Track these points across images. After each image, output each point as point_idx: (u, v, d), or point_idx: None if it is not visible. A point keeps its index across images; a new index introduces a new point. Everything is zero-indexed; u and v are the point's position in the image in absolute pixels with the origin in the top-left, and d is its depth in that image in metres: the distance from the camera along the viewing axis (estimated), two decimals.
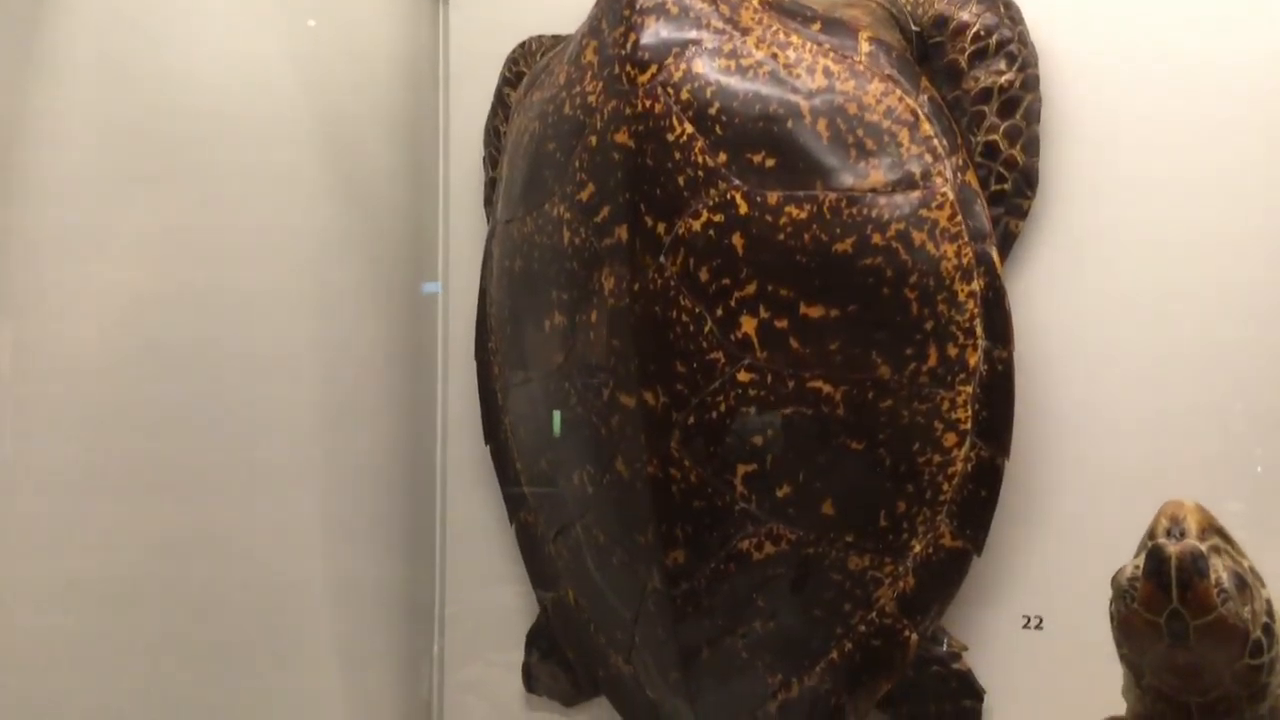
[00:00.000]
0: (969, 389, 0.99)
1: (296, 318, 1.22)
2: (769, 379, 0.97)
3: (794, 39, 1.00)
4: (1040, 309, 1.02)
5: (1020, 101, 1.00)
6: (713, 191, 0.97)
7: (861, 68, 0.99)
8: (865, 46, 1.00)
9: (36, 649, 0.98)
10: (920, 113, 0.99)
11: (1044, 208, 1.02)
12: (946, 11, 1.01)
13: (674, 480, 1.00)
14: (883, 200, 0.97)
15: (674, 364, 0.98)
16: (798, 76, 0.98)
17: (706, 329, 0.97)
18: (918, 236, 0.97)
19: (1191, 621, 0.73)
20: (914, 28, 1.03)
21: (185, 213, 1.10)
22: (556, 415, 1.13)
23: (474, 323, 1.25)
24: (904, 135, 0.98)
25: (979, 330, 0.99)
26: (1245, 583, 0.74)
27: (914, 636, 1.03)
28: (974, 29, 1.00)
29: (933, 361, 0.98)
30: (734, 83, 0.98)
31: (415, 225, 1.35)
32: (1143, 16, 1.01)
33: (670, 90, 0.97)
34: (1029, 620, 1.04)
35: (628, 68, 0.98)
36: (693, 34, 0.99)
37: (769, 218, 0.96)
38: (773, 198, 0.97)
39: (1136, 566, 0.75)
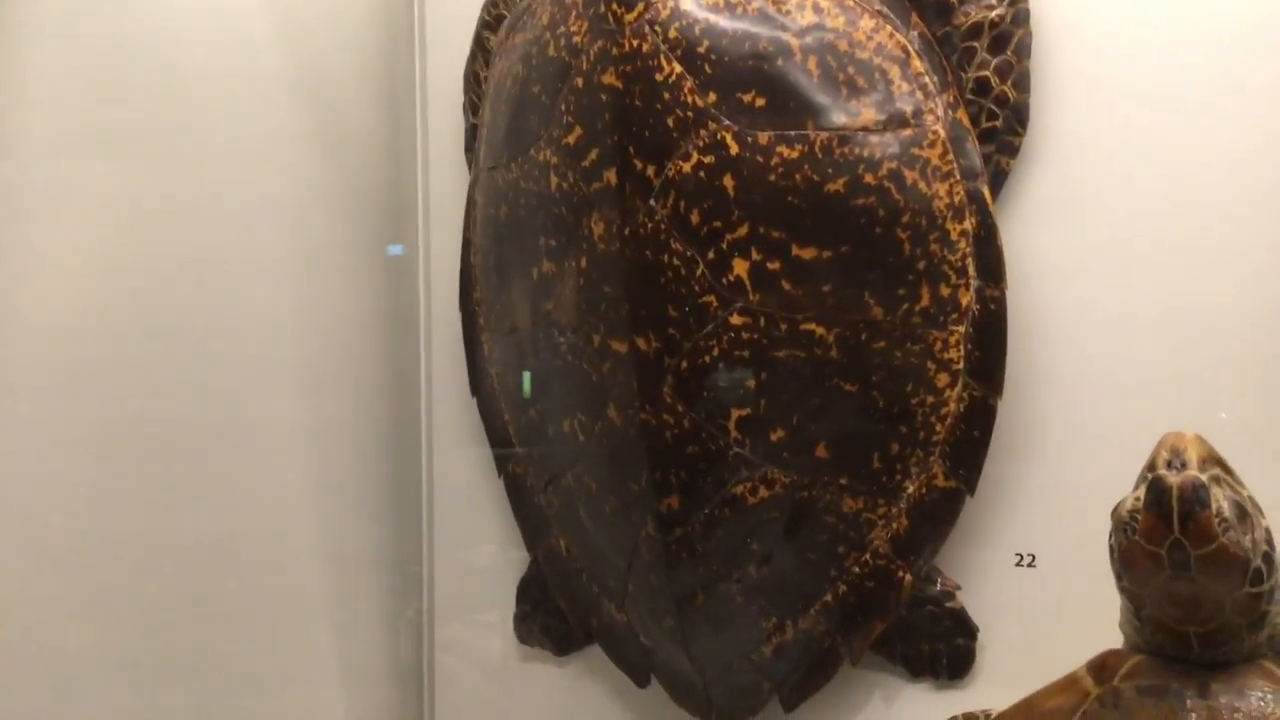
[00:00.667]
0: (961, 329, 0.99)
1: (274, 275, 1.20)
2: (762, 322, 0.97)
3: None
4: (1032, 247, 1.01)
5: (1011, 36, 0.99)
6: (703, 132, 0.95)
7: (851, 3, 0.97)
8: None
9: (24, 610, 0.97)
10: (911, 49, 0.98)
11: (1035, 145, 1.02)
12: None
13: (667, 426, 0.99)
14: (874, 139, 0.96)
15: (666, 309, 0.97)
16: (787, 13, 0.96)
17: (698, 272, 0.96)
18: (910, 175, 0.97)
19: (1193, 551, 0.73)
20: None
21: (161, 173, 1.08)
22: (526, 376, 1.12)
23: (457, 275, 1.23)
24: (895, 72, 0.97)
25: (971, 269, 0.99)
26: (1245, 512, 0.74)
27: (908, 577, 1.03)
28: None
29: (925, 302, 0.98)
30: (722, 20, 0.96)
31: (393, 176, 1.33)
32: None
33: (658, 28, 0.96)
34: (1021, 558, 1.04)
35: (613, 6, 0.96)
36: None
37: (760, 158, 0.95)
38: (764, 138, 0.95)
39: (1137, 499, 0.76)
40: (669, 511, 1.01)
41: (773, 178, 0.95)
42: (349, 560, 1.28)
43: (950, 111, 0.98)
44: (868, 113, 0.96)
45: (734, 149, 0.95)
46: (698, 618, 1.05)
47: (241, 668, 1.15)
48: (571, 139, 0.99)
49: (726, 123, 0.95)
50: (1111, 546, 0.79)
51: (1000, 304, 0.99)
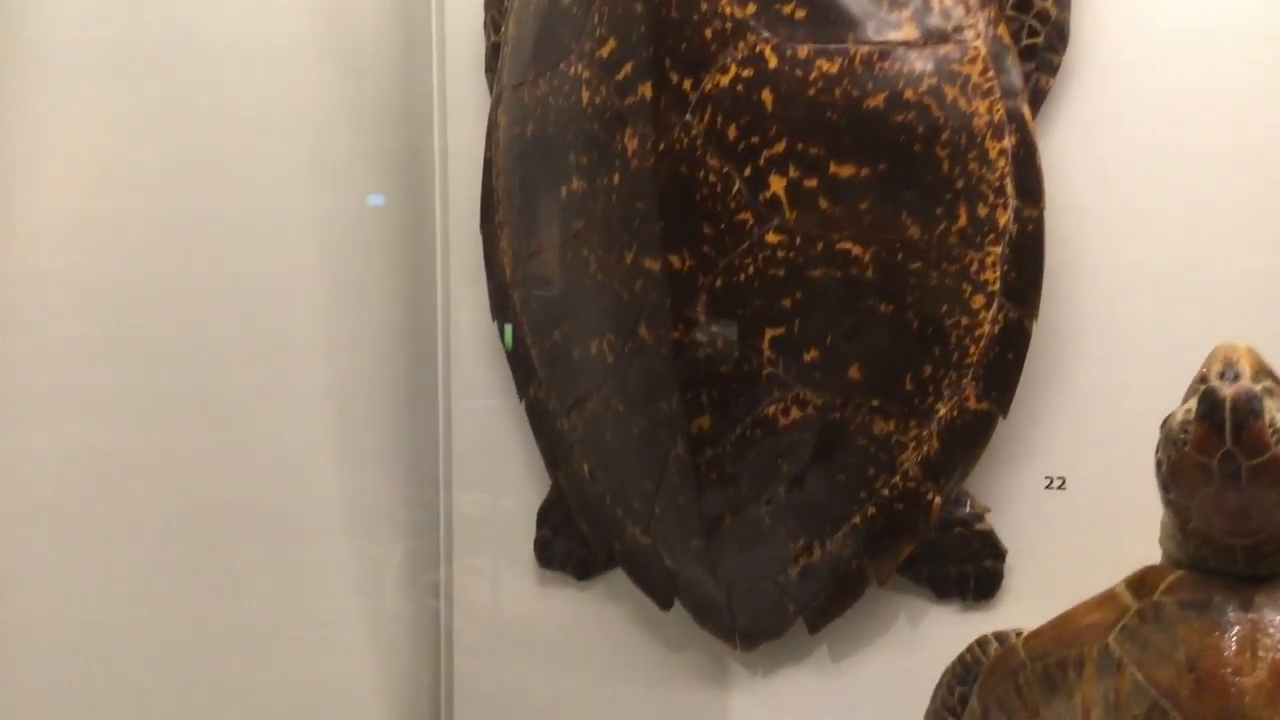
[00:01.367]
0: (998, 249, 0.98)
1: (287, 200, 1.18)
2: (798, 240, 0.95)
3: None
4: (1069, 168, 1.00)
5: None
6: (741, 45, 0.93)
7: None
8: None
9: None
10: None
11: (1073, 63, 1.00)
12: None
13: (700, 345, 0.98)
14: (914, 54, 0.94)
15: (700, 226, 0.96)
16: None
17: (734, 189, 0.95)
18: (950, 92, 0.95)
19: (1244, 462, 0.73)
20: None
21: (178, 87, 1.05)
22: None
23: (477, 198, 1.21)
24: None
25: (1009, 189, 0.97)
26: None
27: (937, 499, 1.03)
28: None
29: (963, 222, 0.97)
30: None
31: (410, 99, 1.30)
32: None
33: None
34: (1051, 481, 1.04)
35: None
36: None
37: (799, 72, 0.93)
38: (803, 51, 0.93)
39: (1188, 410, 0.75)
40: (699, 432, 1.01)
41: (812, 92, 0.94)
42: (366, 485, 1.27)
43: (991, 27, 0.97)
44: (908, 27, 0.95)
45: (773, 62, 0.93)
46: (725, 539, 1.05)
47: (256, 583, 1.15)
48: (605, 52, 0.97)
49: (766, 35, 0.93)
50: (1159, 460, 0.79)
51: (1038, 224, 0.98)
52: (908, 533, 1.04)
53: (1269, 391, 0.74)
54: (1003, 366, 1.01)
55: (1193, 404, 0.75)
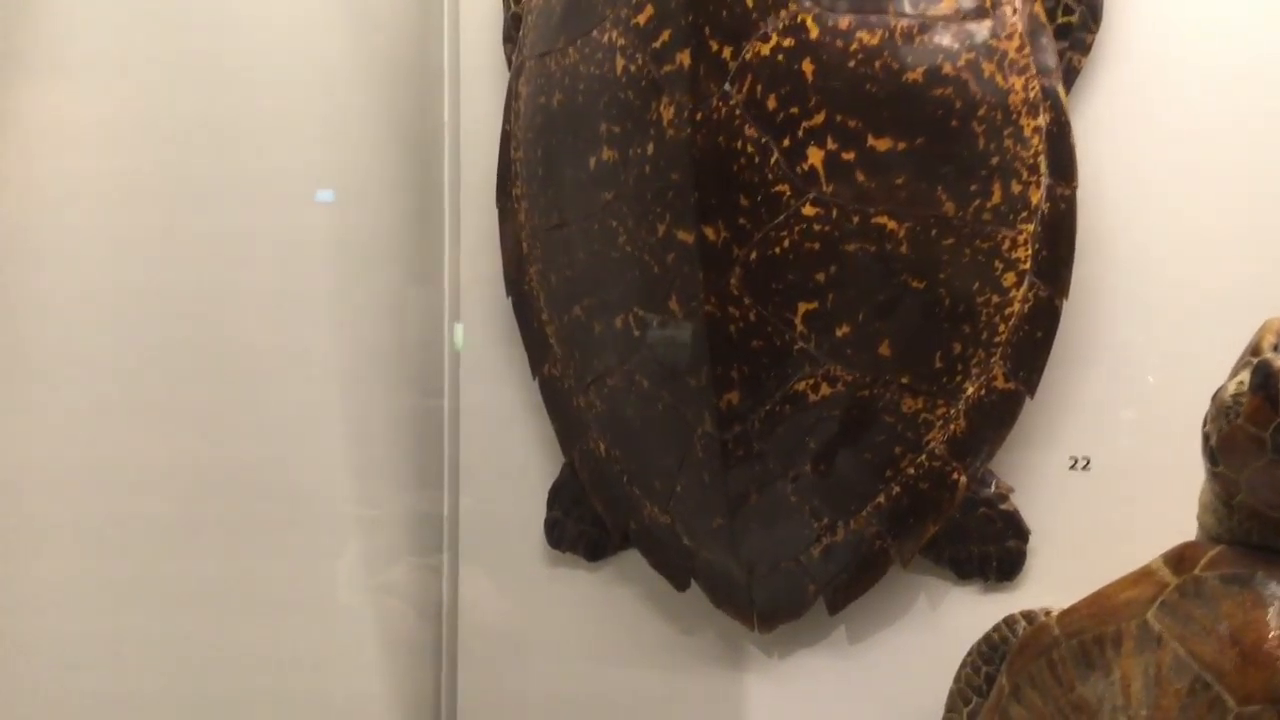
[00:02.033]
0: (1030, 227, 0.98)
1: (297, 172, 1.16)
2: (834, 214, 0.95)
3: None
4: (1100, 147, 1.00)
5: None
6: (783, 13, 0.92)
7: None
8: None
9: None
10: None
11: (1106, 43, 1.00)
12: None
13: (732, 319, 0.97)
14: (954, 28, 0.94)
15: (737, 197, 0.94)
16: None
17: (772, 160, 0.94)
18: (987, 67, 0.95)
19: None
20: None
21: (186, 56, 1.02)
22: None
23: (493, 172, 1.19)
24: None
25: (1043, 167, 0.97)
26: None
27: (963, 479, 1.03)
28: None
29: (996, 199, 0.97)
30: None
31: (421, 71, 1.28)
32: None
33: None
34: (1076, 461, 1.04)
35: None
36: None
37: (840, 43, 0.93)
38: (844, 22, 0.93)
39: (1240, 383, 0.75)
40: (728, 408, 1.00)
41: (852, 64, 0.93)
42: (372, 464, 1.25)
43: (1028, 4, 0.96)
44: (947, 1, 0.94)
45: (814, 32, 0.93)
46: (749, 517, 1.04)
47: (258, 559, 1.12)
48: (642, 19, 0.96)
49: (807, 4, 0.92)
50: (1207, 433, 0.79)
51: (1070, 203, 0.98)
52: (933, 513, 1.03)
53: None
54: (1031, 346, 1.00)
55: (1245, 376, 0.75)
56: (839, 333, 0.98)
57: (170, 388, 1.04)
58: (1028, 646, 0.92)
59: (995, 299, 0.99)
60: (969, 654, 1.00)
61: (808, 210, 0.95)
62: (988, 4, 0.95)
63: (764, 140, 0.94)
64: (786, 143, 0.94)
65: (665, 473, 1.08)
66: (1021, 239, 0.98)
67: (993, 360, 1.00)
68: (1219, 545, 0.83)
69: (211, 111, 1.07)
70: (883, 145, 0.94)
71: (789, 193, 0.94)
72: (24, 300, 0.92)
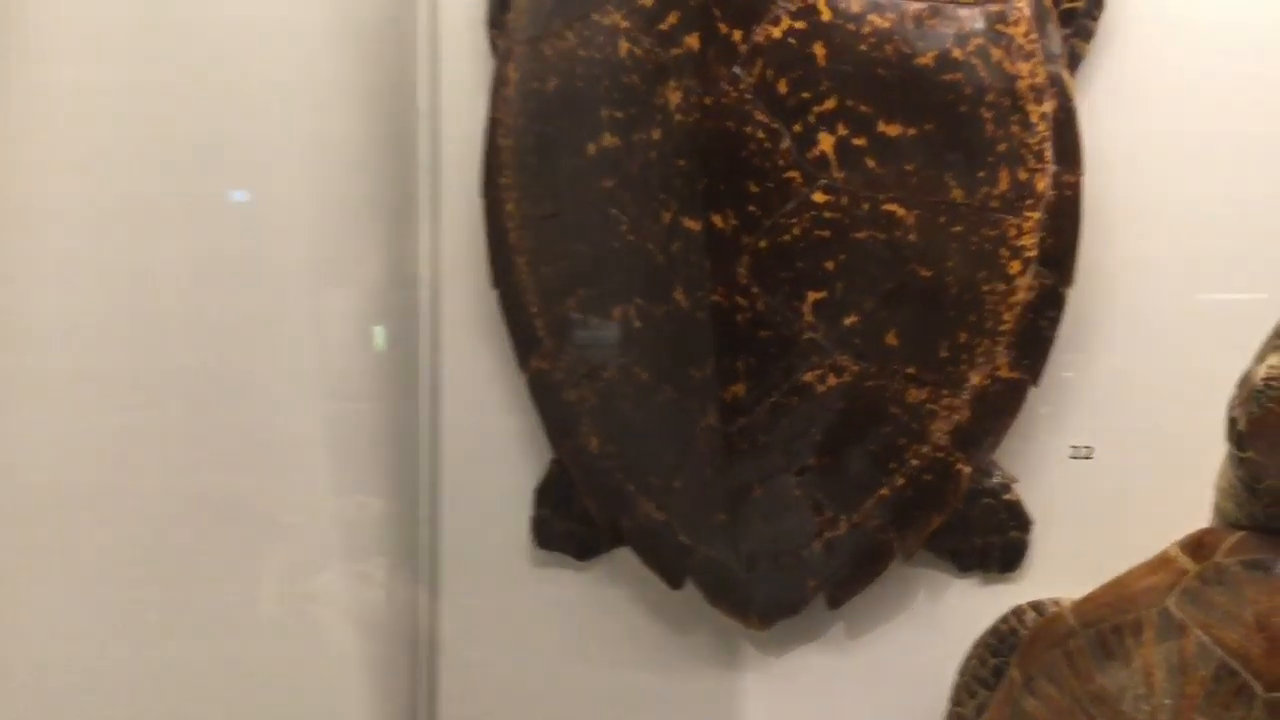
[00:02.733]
0: (1036, 215, 0.97)
1: (262, 165, 1.11)
2: (845, 201, 0.93)
3: None
4: (1103, 134, 1.00)
5: None
6: None
7: None
8: None
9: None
10: None
11: (1108, 29, 1.00)
12: None
13: (740, 309, 0.95)
14: (963, 12, 0.93)
15: (746, 184, 0.92)
16: None
17: (783, 146, 0.92)
18: (995, 53, 0.94)
19: None
20: None
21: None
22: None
23: (476, 161, 1.16)
24: None
25: (1049, 154, 0.97)
26: None
27: (967, 470, 1.02)
28: None
29: (1004, 186, 0.96)
30: None
31: (398, 56, 1.24)
32: None
33: None
34: (1078, 450, 1.04)
35: None
36: None
37: (852, 26, 0.91)
38: (856, 4, 0.91)
39: (1272, 366, 0.75)
40: (733, 400, 0.97)
41: (863, 48, 0.91)
42: (349, 462, 1.20)
43: None
44: None
45: (826, 15, 0.91)
46: (751, 512, 1.02)
47: (235, 561, 1.07)
48: (647, 0, 0.93)
49: None
50: (1234, 417, 0.79)
51: (1076, 190, 0.98)
52: (936, 504, 1.02)
53: None
54: (1036, 334, 1.00)
55: (1275, 360, 0.75)
56: (847, 322, 0.96)
57: (135, 395, 0.99)
58: (1041, 637, 0.92)
59: (1001, 287, 0.98)
60: (975, 646, 0.99)
61: (818, 197, 0.93)
62: None
63: (775, 125, 0.92)
64: (798, 128, 0.92)
65: (663, 468, 1.05)
66: (1028, 227, 0.97)
67: (998, 349, 0.99)
68: (1239, 531, 0.83)
69: (170, 102, 1.02)
70: (893, 131, 0.93)
71: (799, 179, 0.92)
72: None
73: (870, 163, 0.93)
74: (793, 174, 0.92)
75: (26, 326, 0.93)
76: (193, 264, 1.04)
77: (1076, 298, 1.00)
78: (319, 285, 1.18)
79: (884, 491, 1.02)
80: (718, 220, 0.93)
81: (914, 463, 1.01)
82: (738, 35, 0.91)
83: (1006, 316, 0.99)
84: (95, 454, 0.97)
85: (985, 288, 0.98)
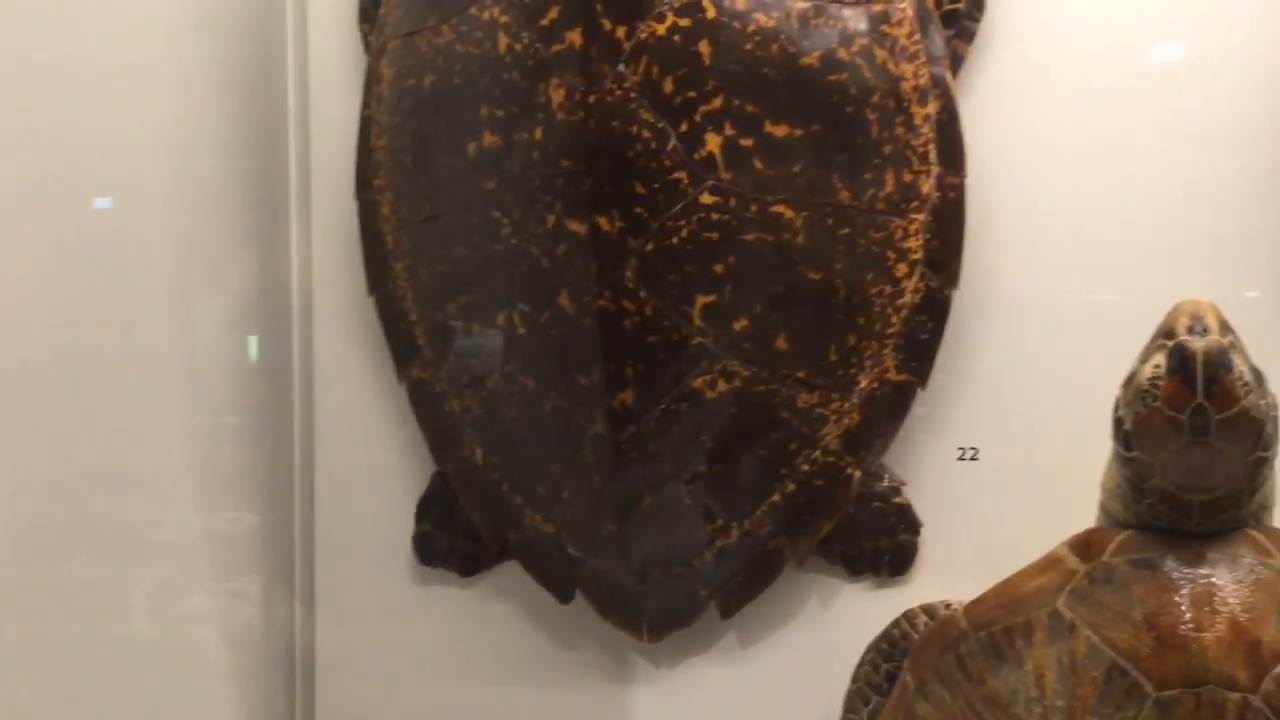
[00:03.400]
0: (921, 217, 0.97)
1: (129, 170, 1.04)
2: (732, 202, 0.91)
3: None
4: (985, 135, 1.00)
5: None
6: None
7: None
8: None
9: None
10: None
11: (988, 30, 1.00)
12: None
13: (627, 314, 0.92)
14: (847, 12, 0.92)
15: (632, 185, 0.90)
16: None
17: (669, 146, 0.90)
18: (880, 54, 0.93)
19: (1214, 416, 0.74)
20: None
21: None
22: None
23: (348, 162, 1.11)
24: None
25: (933, 156, 0.97)
26: (1261, 376, 0.76)
27: (857, 474, 1.01)
28: None
29: (889, 187, 0.95)
30: None
31: (263, 52, 1.18)
32: None
33: None
34: (964, 452, 1.04)
35: None
36: None
37: (737, 24, 0.89)
38: (741, 3, 0.90)
39: (1156, 366, 0.76)
40: (622, 408, 0.95)
41: (749, 46, 0.90)
42: (213, 480, 1.14)
43: None
44: None
45: (710, 12, 0.89)
46: (642, 522, 1.00)
47: (95, 588, 1.00)
48: None
49: None
50: (1119, 418, 0.79)
51: (960, 192, 0.98)
52: (827, 509, 1.01)
53: (1233, 345, 0.75)
54: (922, 336, 1.00)
55: (1160, 359, 0.75)
56: (737, 326, 0.94)
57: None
58: (933, 641, 0.91)
59: (888, 290, 0.97)
60: (867, 652, 0.98)
61: (706, 199, 0.91)
62: None
63: (660, 125, 0.89)
64: (684, 128, 0.90)
65: (550, 478, 1.02)
66: (913, 229, 0.97)
67: (885, 352, 0.99)
68: (1126, 530, 0.83)
69: (24, 102, 0.95)
70: (780, 131, 0.91)
71: (687, 180, 0.90)
72: None
73: (758, 163, 0.91)
74: (679, 175, 0.90)
75: None
76: (50, 272, 0.97)
77: (959, 299, 1.00)
78: (185, 293, 1.12)
79: (775, 498, 1.01)
80: (603, 222, 0.90)
81: (805, 468, 1.00)
82: (621, 32, 0.88)
83: (894, 319, 0.98)
84: None
85: (873, 290, 0.97)
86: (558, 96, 0.89)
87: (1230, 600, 0.77)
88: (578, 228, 0.91)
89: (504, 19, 0.91)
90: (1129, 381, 0.78)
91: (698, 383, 0.95)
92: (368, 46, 1.10)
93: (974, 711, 0.86)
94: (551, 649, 1.13)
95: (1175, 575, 0.79)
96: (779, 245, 0.93)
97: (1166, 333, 0.77)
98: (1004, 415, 1.03)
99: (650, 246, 0.91)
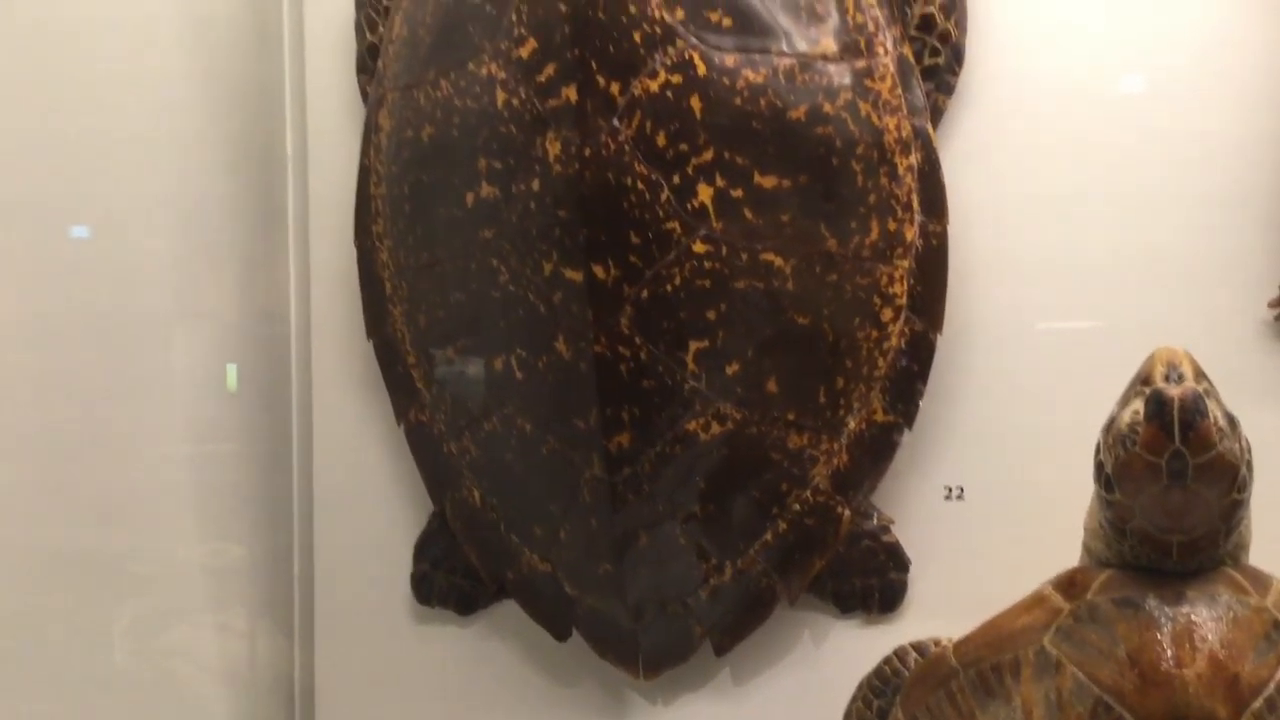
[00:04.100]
0: (905, 263, 1.00)
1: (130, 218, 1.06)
2: (724, 251, 0.94)
3: None
4: (964, 184, 1.03)
5: None
6: (671, 50, 0.91)
7: None
8: None
9: None
10: None
11: (967, 85, 1.04)
12: None
13: (622, 359, 0.95)
14: (832, 68, 0.95)
15: (627, 234, 0.92)
16: None
17: (663, 197, 0.92)
18: (863, 107, 0.96)
19: (1192, 460, 0.76)
20: None
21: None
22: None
23: (346, 209, 1.13)
24: (849, 2, 0.97)
25: (915, 204, 1.00)
26: (1234, 421, 0.78)
27: (847, 513, 1.03)
28: None
29: (874, 235, 0.98)
30: None
31: (262, 102, 1.20)
32: None
33: None
34: (951, 491, 1.06)
35: None
36: None
37: (726, 80, 0.92)
38: (730, 59, 0.92)
39: (1135, 412, 0.78)
40: (618, 450, 0.97)
41: (738, 101, 0.93)
42: (214, 518, 1.15)
43: (897, 46, 0.99)
44: (826, 40, 0.95)
45: (701, 69, 0.92)
46: (637, 561, 1.02)
47: (99, 624, 1.02)
48: (524, 52, 0.93)
49: (695, 41, 0.92)
50: (1100, 462, 0.82)
51: (942, 239, 1.01)
52: (819, 548, 1.04)
53: (1207, 392, 0.78)
54: (908, 379, 1.02)
55: (1138, 406, 0.78)
56: (729, 370, 0.97)
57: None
58: (924, 678, 0.93)
59: (874, 334, 1.00)
60: (859, 688, 1.00)
61: (698, 247, 0.93)
62: (862, 45, 0.97)
63: (654, 176, 0.92)
64: (676, 179, 0.92)
65: (548, 519, 1.04)
66: (898, 275, 1.00)
67: (872, 394, 1.02)
68: (1108, 569, 0.85)
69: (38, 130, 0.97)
70: (769, 182, 0.94)
71: (679, 230, 0.93)
72: None
73: (748, 213, 0.94)
74: (673, 225, 0.93)
75: None
76: (44, 306, 0.98)
77: (943, 342, 1.03)
78: (184, 330, 1.14)
79: (768, 537, 1.03)
80: (599, 271, 0.93)
81: (796, 507, 1.02)
82: (616, 88, 0.91)
83: (880, 362, 1.01)
84: None
85: (860, 334, 1.00)
86: (554, 149, 0.92)
87: (1209, 637, 0.79)
88: (574, 275, 0.93)
89: (502, 75, 0.94)
90: (1109, 427, 0.81)
91: (691, 425, 0.97)
92: (365, 97, 1.12)
93: None
94: (548, 687, 1.15)
95: (1156, 613, 0.81)
96: (769, 292, 0.96)
97: (1144, 379, 0.80)
98: (988, 455, 1.06)
99: (645, 294, 0.93)
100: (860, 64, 0.96)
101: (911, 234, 1.00)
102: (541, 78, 0.92)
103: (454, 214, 1.00)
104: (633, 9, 0.91)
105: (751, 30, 0.93)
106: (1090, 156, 1.03)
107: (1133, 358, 0.86)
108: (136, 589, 1.07)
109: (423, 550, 1.16)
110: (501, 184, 0.95)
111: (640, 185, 0.92)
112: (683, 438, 0.97)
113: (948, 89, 1.03)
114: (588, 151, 0.91)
